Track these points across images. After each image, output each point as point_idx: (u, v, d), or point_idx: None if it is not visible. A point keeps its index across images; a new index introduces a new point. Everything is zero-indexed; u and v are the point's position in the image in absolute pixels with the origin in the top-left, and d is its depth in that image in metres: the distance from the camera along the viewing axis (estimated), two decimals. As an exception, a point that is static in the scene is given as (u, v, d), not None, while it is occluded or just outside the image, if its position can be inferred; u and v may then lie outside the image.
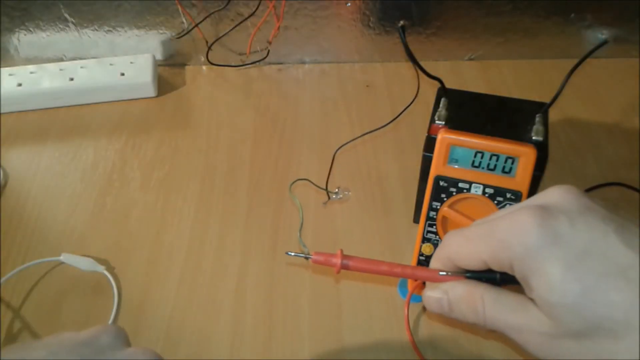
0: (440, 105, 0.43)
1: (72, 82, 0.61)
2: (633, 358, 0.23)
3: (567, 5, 0.60)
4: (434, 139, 0.38)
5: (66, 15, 0.62)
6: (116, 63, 0.63)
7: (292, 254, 0.33)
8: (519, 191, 0.36)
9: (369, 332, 0.43)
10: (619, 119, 0.58)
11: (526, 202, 0.28)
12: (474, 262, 0.28)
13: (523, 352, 0.28)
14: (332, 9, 0.61)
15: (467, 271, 0.30)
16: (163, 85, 0.65)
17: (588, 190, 0.51)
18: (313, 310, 0.44)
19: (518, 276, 0.26)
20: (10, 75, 0.62)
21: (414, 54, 0.39)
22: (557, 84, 0.39)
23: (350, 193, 0.52)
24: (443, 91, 0.43)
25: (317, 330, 0.43)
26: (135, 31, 0.64)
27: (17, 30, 0.63)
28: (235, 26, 0.62)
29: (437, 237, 0.39)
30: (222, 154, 0.57)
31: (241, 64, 0.67)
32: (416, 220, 0.49)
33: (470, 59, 0.66)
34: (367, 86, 0.64)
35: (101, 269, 0.47)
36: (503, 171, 0.37)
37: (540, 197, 0.27)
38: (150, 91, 0.63)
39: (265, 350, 0.42)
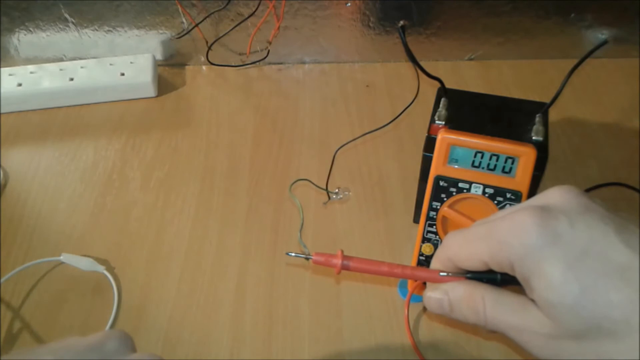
0: (440, 105, 0.43)
1: (72, 82, 0.61)
2: (633, 358, 0.23)
3: (567, 5, 0.60)
4: (434, 139, 0.38)
5: (66, 15, 0.62)
6: (116, 63, 0.63)
7: (293, 254, 0.33)
8: (519, 191, 0.36)
9: (369, 333, 0.43)
10: (619, 119, 0.58)
11: (526, 203, 0.28)
12: (475, 262, 0.28)
13: (524, 352, 0.28)
14: (332, 9, 0.61)
15: (468, 272, 0.30)
16: (163, 85, 0.65)
17: (588, 190, 0.51)
18: (313, 310, 0.44)
19: (518, 276, 0.26)
20: (10, 75, 0.62)
21: (414, 54, 0.39)
22: (557, 84, 0.39)
23: (350, 193, 0.52)
24: (443, 91, 0.43)
25: (317, 330, 0.43)
26: (135, 31, 0.64)
27: (17, 30, 0.63)
28: (235, 26, 0.62)
29: (437, 237, 0.39)
30: (222, 154, 0.57)
31: (241, 64, 0.67)
32: (416, 220, 0.49)
33: (470, 59, 0.66)
34: (367, 86, 0.64)
35: (101, 269, 0.47)
36: (503, 171, 0.37)
37: (540, 198, 0.27)
38: (150, 91, 0.63)
39: (265, 350, 0.42)
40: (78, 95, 0.62)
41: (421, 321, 0.43)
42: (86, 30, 0.63)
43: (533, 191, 0.40)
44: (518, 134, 0.40)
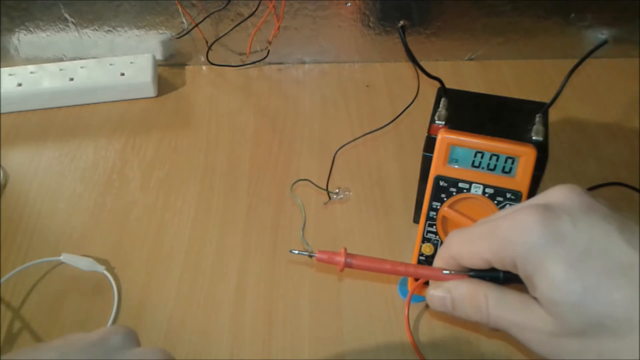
0: (440, 105, 0.43)
1: (72, 82, 0.61)
2: (635, 356, 0.23)
3: (567, 5, 0.60)
4: (434, 139, 0.38)
5: (66, 15, 0.62)
6: (116, 63, 0.63)
7: (296, 252, 0.34)
8: (519, 191, 0.36)
9: (369, 332, 0.43)
10: (619, 119, 0.58)
11: (529, 202, 0.28)
12: (477, 261, 0.28)
13: (526, 350, 0.28)
14: (332, 9, 0.61)
15: (471, 270, 0.30)
16: (163, 85, 0.65)
17: (588, 190, 0.51)
18: (313, 310, 0.44)
19: (521, 275, 0.27)
20: (10, 75, 0.62)
21: (414, 54, 0.39)
22: (557, 84, 0.39)
23: (350, 193, 0.52)
24: (443, 91, 0.43)
25: (317, 329, 0.43)
26: (135, 31, 0.64)
27: (17, 30, 0.63)
28: (235, 26, 0.62)
29: (437, 237, 0.39)
30: (222, 154, 0.57)
31: (241, 64, 0.67)
32: (416, 220, 0.49)
33: (470, 59, 0.66)
34: (367, 86, 0.64)
35: (101, 269, 0.47)
36: (503, 171, 0.37)
37: (543, 197, 0.28)
38: (150, 91, 0.63)
39: (265, 350, 0.42)
40: (78, 95, 0.62)
41: (421, 321, 0.43)
42: (86, 30, 0.63)
43: (533, 191, 0.40)
44: (518, 134, 0.40)
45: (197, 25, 0.62)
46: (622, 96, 0.61)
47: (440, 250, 0.31)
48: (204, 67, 0.67)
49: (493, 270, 0.29)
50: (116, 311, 0.45)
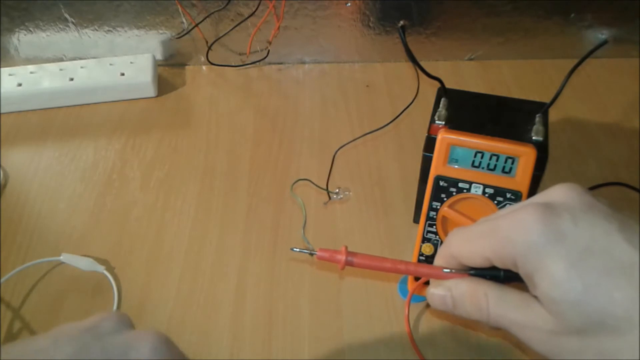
0: (440, 105, 0.43)
1: (72, 82, 0.61)
2: (635, 355, 0.23)
3: (567, 5, 0.60)
4: (434, 139, 0.38)
5: (66, 15, 0.62)
6: (116, 63, 0.63)
7: (297, 249, 0.34)
8: (519, 191, 0.36)
9: (369, 332, 0.43)
10: (619, 119, 0.58)
11: (530, 200, 0.28)
12: (478, 259, 0.28)
13: (526, 349, 0.28)
14: (332, 9, 0.61)
15: (471, 269, 0.30)
16: (163, 85, 0.65)
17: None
18: (313, 310, 0.44)
19: (521, 273, 0.27)
20: (10, 75, 0.62)
21: (414, 54, 0.39)
22: (557, 84, 0.39)
23: (350, 193, 0.52)
24: (443, 91, 0.43)
25: (317, 329, 0.43)
26: (135, 31, 0.64)
27: (17, 30, 0.63)
28: (235, 26, 0.62)
29: (437, 237, 0.39)
30: (222, 154, 0.57)
31: (241, 64, 0.67)
32: (416, 220, 0.49)
33: (470, 59, 0.66)
34: (367, 86, 0.64)
35: (101, 269, 0.47)
36: (503, 171, 0.37)
37: (544, 195, 0.28)
38: (150, 91, 0.63)
39: (265, 350, 0.42)
40: (78, 95, 0.62)
41: (421, 321, 0.43)
42: (86, 30, 0.63)
43: (533, 191, 0.40)
44: (518, 134, 0.40)
45: (197, 25, 0.62)
46: (622, 96, 0.61)
47: (440, 249, 0.31)
48: (204, 67, 0.67)
49: (493, 268, 0.29)
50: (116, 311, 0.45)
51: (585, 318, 0.24)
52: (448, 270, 0.30)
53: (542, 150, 0.38)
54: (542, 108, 0.41)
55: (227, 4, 0.60)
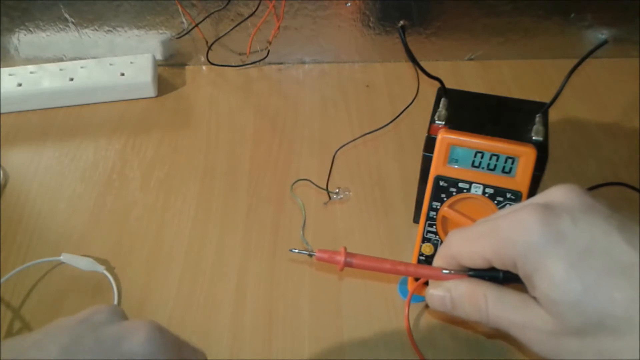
0: (440, 105, 0.43)
1: (72, 82, 0.61)
2: (634, 355, 0.23)
3: (567, 5, 0.60)
4: (434, 139, 0.38)
5: (66, 15, 0.62)
6: (116, 63, 0.63)
7: (296, 251, 0.34)
8: (519, 191, 0.36)
9: (369, 332, 0.43)
10: (619, 119, 0.58)
11: (529, 201, 0.28)
12: (477, 260, 0.28)
13: (526, 350, 0.28)
14: (332, 9, 0.61)
15: (470, 269, 0.30)
16: (163, 85, 0.65)
17: (588, 190, 0.51)
18: (313, 310, 0.44)
19: (521, 274, 0.27)
20: (10, 75, 0.62)
21: (414, 54, 0.39)
22: (557, 84, 0.39)
23: (350, 193, 0.52)
24: (443, 91, 0.43)
25: (317, 329, 0.43)
26: (135, 31, 0.64)
27: (17, 30, 0.63)
28: (235, 26, 0.62)
29: (437, 237, 0.39)
30: (222, 154, 0.57)
31: (241, 64, 0.67)
32: (416, 220, 0.49)
33: (470, 59, 0.66)
34: (367, 86, 0.64)
35: (101, 269, 0.47)
36: (503, 171, 0.37)
37: (543, 196, 0.28)
38: (150, 91, 0.63)
39: (265, 350, 0.42)
40: (78, 95, 0.62)
41: (421, 321, 0.43)
42: (86, 30, 0.63)
43: (533, 191, 0.40)
44: (518, 134, 0.40)
45: (197, 25, 0.62)
46: (622, 96, 0.61)
47: (440, 250, 0.31)
48: (204, 67, 0.67)
49: (493, 269, 0.29)
50: (116, 311, 0.45)
51: (585, 318, 0.24)
52: (447, 271, 0.30)
53: (542, 150, 0.38)
54: (542, 108, 0.41)
55: (227, 4, 0.60)
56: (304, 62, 0.67)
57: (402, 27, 0.39)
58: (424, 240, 0.40)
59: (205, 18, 0.62)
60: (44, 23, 0.62)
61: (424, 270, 0.32)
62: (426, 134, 0.42)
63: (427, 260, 0.39)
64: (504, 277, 0.29)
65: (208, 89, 0.65)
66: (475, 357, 0.41)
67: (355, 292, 0.45)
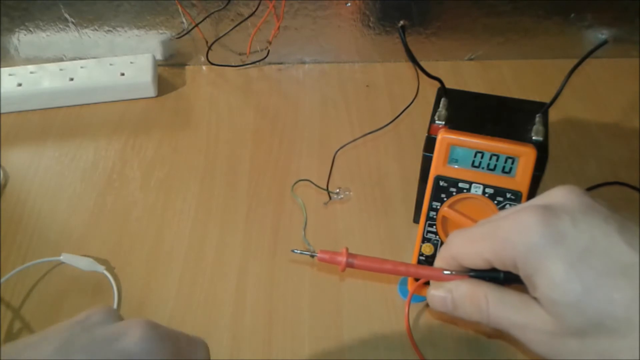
0: (440, 105, 0.43)
1: (72, 82, 0.61)
2: (634, 355, 0.23)
3: (567, 5, 0.60)
4: (434, 139, 0.38)
5: (66, 15, 0.62)
6: (116, 63, 0.63)
7: (298, 251, 0.34)
8: (519, 191, 0.36)
9: (369, 332, 0.43)
10: (619, 119, 0.58)
11: (529, 202, 0.28)
12: (478, 261, 0.28)
13: (526, 350, 0.28)
14: (332, 9, 0.61)
15: (471, 270, 0.30)
16: (163, 85, 0.65)
17: (588, 190, 0.51)
18: (313, 310, 0.44)
19: (521, 275, 0.27)
20: (10, 75, 0.62)
21: (414, 54, 0.39)
22: (557, 84, 0.39)
23: (351, 193, 0.52)
24: (443, 91, 0.43)
25: (317, 330, 0.43)
26: (135, 31, 0.64)
27: (17, 30, 0.63)
28: (235, 26, 0.62)
29: (437, 237, 0.39)
30: (222, 154, 0.57)
31: (241, 64, 0.67)
32: (416, 220, 0.49)
33: (470, 59, 0.66)
34: (367, 86, 0.64)
35: (101, 269, 0.47)
36: (503, 171, 0.37)
37: (544, 197, 0.28)
38: (150, 91, 0.63)
39: (265, 350, 0.42)
40: (78, 95, 0.62)
41: (421, 321, 0.43)
42: (86, 30, 0.63)
43: (533, 191, 0.40)
44: (518, 134, 0.40)
45: (197, 25, 0.62)
46: (622, 96, 0.61)
47: (441, 251, 0.31)
48: (204, 67, 0.67)
49: (493, 270, 0.29)
50: (116, 311, 0.45)
51: (585, 319, 0.24)
52: (448, 272, 0.30)
53: (542, 150, 0.38)
54: (542, 108, 0.41)
55: (227, 4, 0.60)
56: (304, 62, 0.67)
57: (402, 27, 0.39)
58: (424, 240, 0.40)
59: (205, 18, 0.62)
60: (44, 23, 0.62)
61: (424, 270, 0.32)
62: (426, 134, 0.42)
63: (427, 260, 0.39)
64: (504, 278, 0.29)
65: (208, 89, 0.65)
66: (475, 357, 0.41)
67: (355, 292, 0.45)
